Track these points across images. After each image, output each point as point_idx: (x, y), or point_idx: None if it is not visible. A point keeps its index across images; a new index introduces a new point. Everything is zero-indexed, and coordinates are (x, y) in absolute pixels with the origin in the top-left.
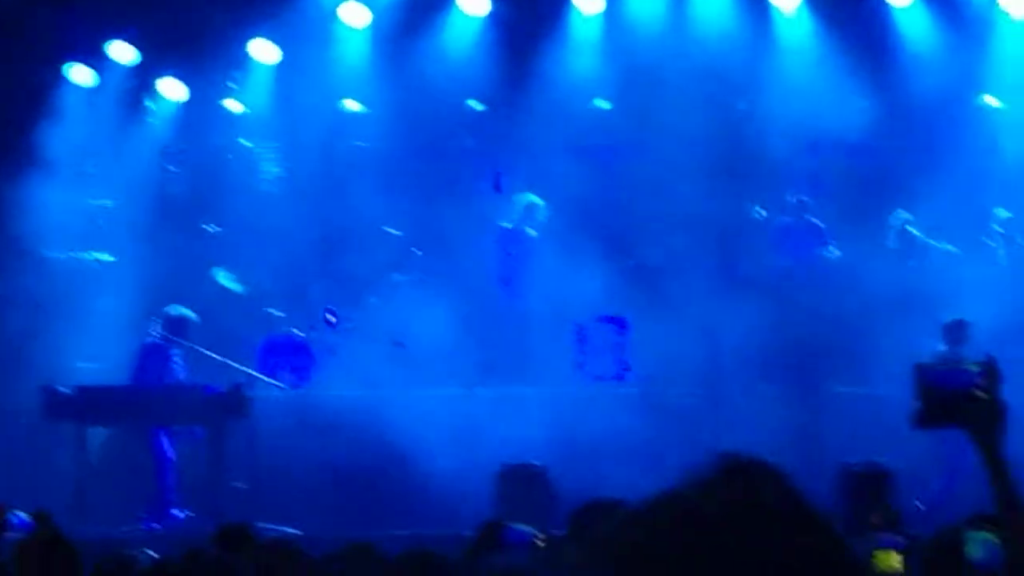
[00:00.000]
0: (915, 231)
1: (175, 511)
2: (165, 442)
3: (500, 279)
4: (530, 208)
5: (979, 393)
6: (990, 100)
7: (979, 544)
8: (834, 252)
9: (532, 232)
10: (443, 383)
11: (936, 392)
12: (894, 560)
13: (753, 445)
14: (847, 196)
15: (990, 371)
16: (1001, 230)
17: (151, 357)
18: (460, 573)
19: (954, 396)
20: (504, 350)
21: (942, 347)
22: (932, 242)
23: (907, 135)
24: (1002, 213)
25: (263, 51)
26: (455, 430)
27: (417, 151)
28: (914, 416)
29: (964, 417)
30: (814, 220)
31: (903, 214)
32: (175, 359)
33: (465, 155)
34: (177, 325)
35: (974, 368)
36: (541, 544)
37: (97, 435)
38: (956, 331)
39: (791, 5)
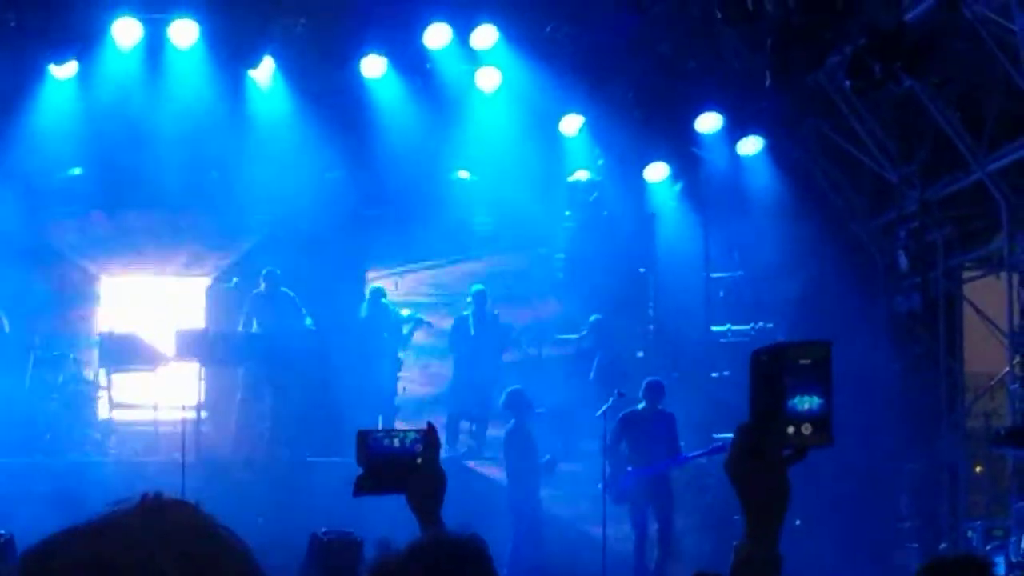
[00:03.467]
0: (387, 302)
1: None
2: None
3: None
4: None
5: (418, 460)
6: (463, 174)
7: None
8: (308, 321)
9: None
10: None
11: (376, 458)
12: None
13: (225, 516)
14: (322, 267)
15: (429, 438)
16: (471, 299)
17: None
18: None
19: (393, 462)
20: None
21: (643, 405)
22: (403, 312)
23: (382, 206)
24: (475, 287)
25: None
26: None
27: None
28: (356, 482)
29: (403, 483)
30: (286, 290)
31: (376, 286)
32: None
33: None
34: None
35: (413, 435)
36: None
37: None
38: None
39: (266, 76)
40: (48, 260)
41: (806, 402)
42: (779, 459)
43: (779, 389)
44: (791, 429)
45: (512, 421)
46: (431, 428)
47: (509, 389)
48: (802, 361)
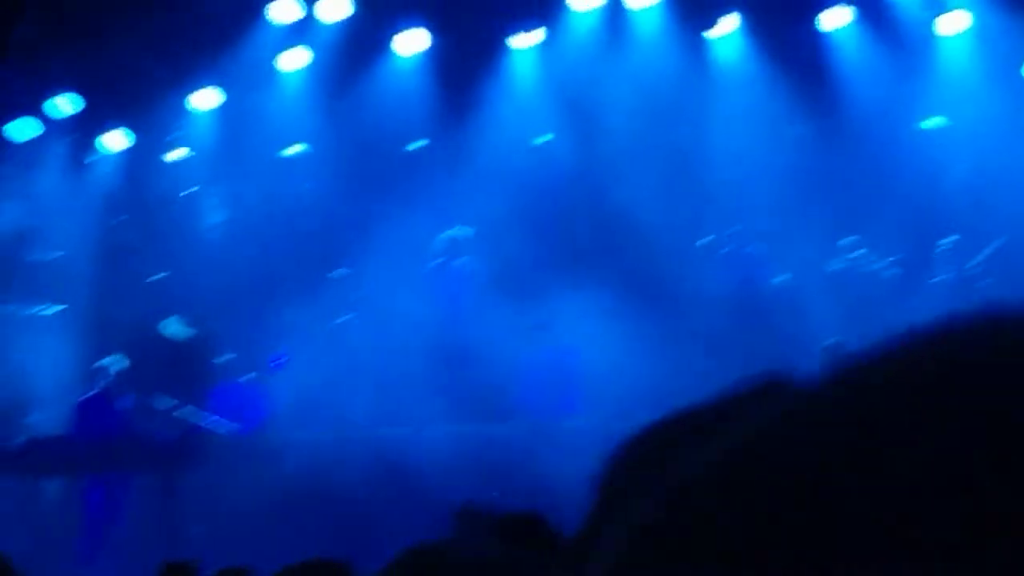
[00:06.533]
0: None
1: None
2: (102, 493)
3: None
4: (454, 241)
5: None
6: (933, 121)
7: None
8: (781, 277)
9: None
10: (394, 423)
11: None
12: None
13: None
14: (792, 222)
15: None
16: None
17: (97, 407)
18: None
19: None
20: (455, 388)
21: None
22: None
23: (851, 160)
24: (947, 241)
25: (205, 98)
26: (399, 471)
27: (359, 191)
28: None
29: None
30: (754, 247)
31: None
32: (123, 407)
33: (405, 195)
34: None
35: None
36: None
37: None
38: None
39: (725, 29)
40: None
41: None
42: None
43: None
44: None
45: None
46: None
47: None
48: None
